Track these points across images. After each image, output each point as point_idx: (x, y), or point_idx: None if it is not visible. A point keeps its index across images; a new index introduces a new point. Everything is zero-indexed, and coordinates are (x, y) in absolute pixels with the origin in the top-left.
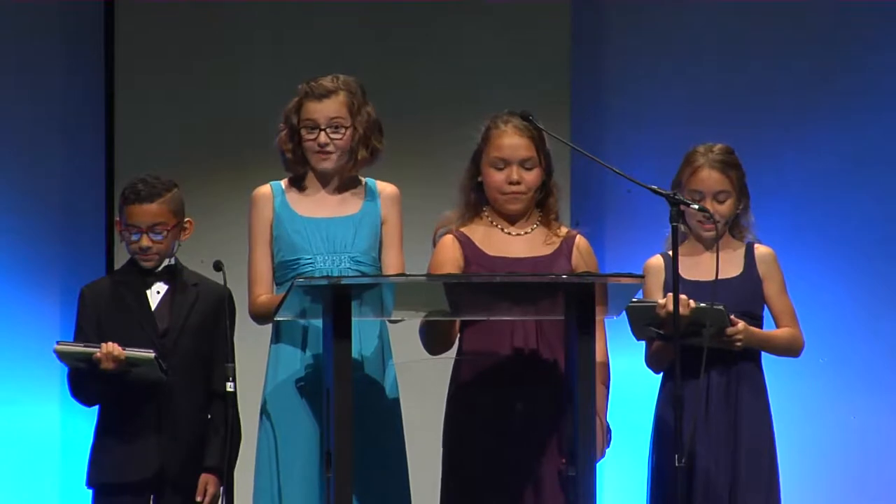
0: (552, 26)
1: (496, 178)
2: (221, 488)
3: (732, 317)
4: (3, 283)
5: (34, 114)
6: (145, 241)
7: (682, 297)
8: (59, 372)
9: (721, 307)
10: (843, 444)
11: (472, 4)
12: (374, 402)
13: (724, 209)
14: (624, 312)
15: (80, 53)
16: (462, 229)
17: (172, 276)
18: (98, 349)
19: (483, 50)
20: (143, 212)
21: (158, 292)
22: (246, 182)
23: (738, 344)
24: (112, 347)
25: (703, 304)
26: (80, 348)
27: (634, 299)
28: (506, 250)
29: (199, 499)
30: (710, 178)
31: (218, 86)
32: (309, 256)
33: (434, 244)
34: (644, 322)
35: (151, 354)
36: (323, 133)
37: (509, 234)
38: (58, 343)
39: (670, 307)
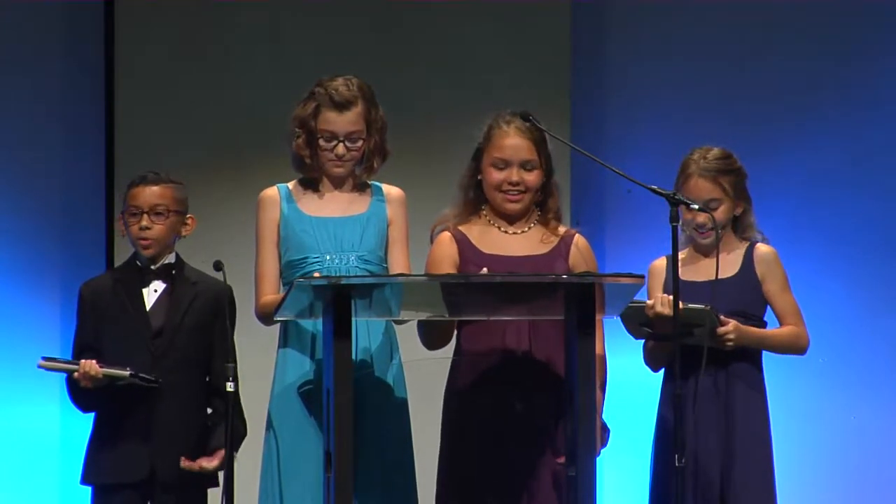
0: (552, 26)
1: (496, 177)
2: (220, 486)
3: (722, 317)
4: (3, 284)
5: (34, 113)
6: (145, 220)
7: (668, 297)
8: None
9: (707, 307)
10: (843, 444)
11: (472, 4)
12: (381, 400)
13: (717, 216)
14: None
15: (80, 53)
16: (459, 227)
17: (171, 274)
18: (77, 367)
19: (483, 50)
20: (146, 192)
21: (156, 290)
22: (246, 182)
23: (730, 343)
24: (89, 367)
25: (690, 305)
26: (61, 365)
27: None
28: (502, 248)
29: (205, 463)
30: (698, 186)
31: (218, 86)
32: (317, 255)
33: (431, 241)
34: (638, 322)
35: (127, 373)
36: (342, 145)
37: (506, 232)
38: (42, 359)
39: (658, 308)
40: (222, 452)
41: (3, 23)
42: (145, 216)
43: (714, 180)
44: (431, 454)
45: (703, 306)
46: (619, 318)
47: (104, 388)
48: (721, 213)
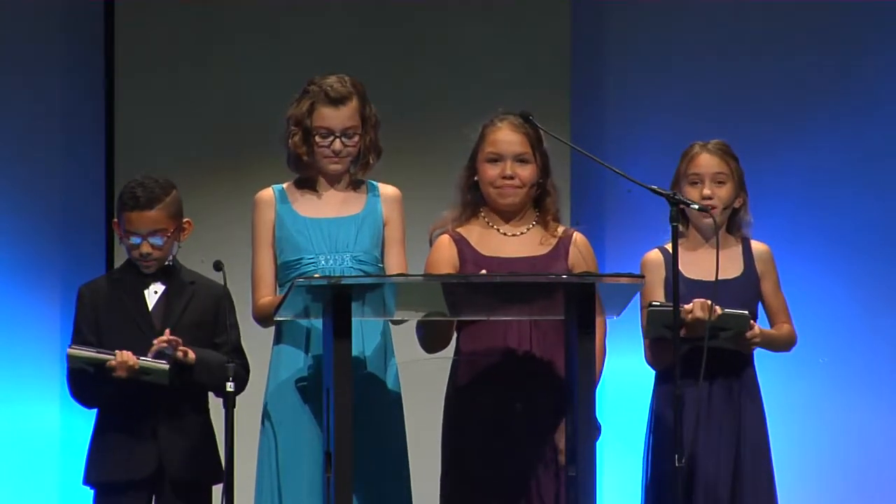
0: (552, 26)
1: (490, 173)
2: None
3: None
4: (3, 283)
5: (34, 114)
6: (146, 248)
7: (708, 302)
8: (59, 372)
9: (745, 313)
10: (843, 444)
11: (472, 4)
12: (376, 401)
13: (723, 192)
14: (624, 312)
15: (80, 53)
16: (458, 229)
17: (170, 275)
18: (112, 357)
19: (483, 50)
20: (143, 219)
21: (156, 292)
22: (246, 182)
23: (754, 347)
24: (127, 357)
25: (728, 311)
26: (93, 354)
27: (657, 302)
28: (501, 250)
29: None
30: (707, 161)
31: (218, 86)
32: (311, 256)
33: (430, 244)
34: (662, 324)
35: (166, 366)
36: (338, 140)
37: (505, 234)
38: (71, 346)
39: (696, 313)
40: (192, 355)
41: (3, 23)
42: (145, 243)
43: (721, 157)
44: (427, 455)
45: (745, 312)
46: (618, 318)
47: (112, 385)
48: (727, 190)
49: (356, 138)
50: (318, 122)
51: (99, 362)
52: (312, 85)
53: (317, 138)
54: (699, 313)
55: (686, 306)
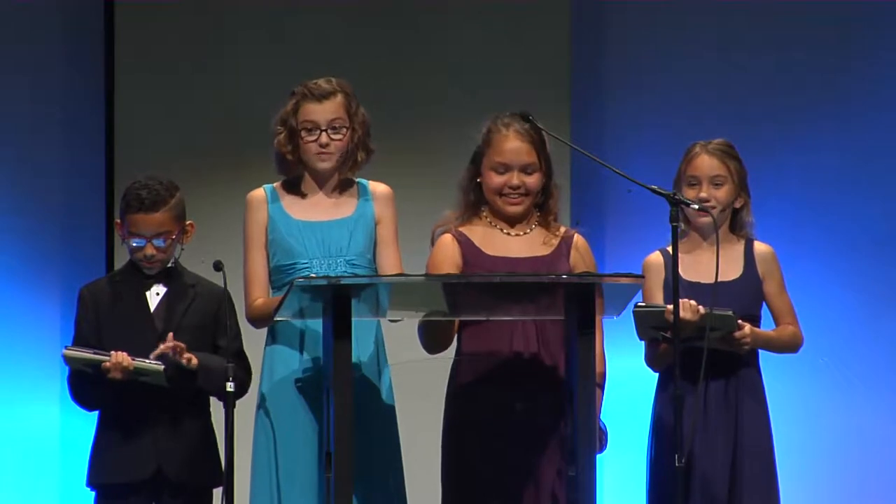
0: (552, 26)
1: (497, 181)
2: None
3: (739, 320)
4: (3, 283)
5: (34, 114)
6: (149, 250)
7: (692, 303)
8: (59, 372)
9: (730, 313)
10: (843, 444)
11: (472, 4)
12: (370, 407)
13: (720, 194)
14: (623, 312)
15: (80, 53)
16: (461, 228)
17: (171, 277)
18: (107, 358)
19: (483, 50)
20: (148, 221)
21: (158, 294)
22: (245, 182)
23: (746, 347)
24: (121, 358)
25: (716, 311)
26: (88, 355)
27: (642, 303)
28: (504, 250)
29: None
30: (705, 162)
31: (217, 86)
32: (305, 260)
33: (432, 243)
34: (650, 325)
35: (160, 367)
36: (324, 134)
37: (508, 234)
38: (66, 348)
39: (681, 313)
40: (195, 361)
41: (3, 23)
42: (149, 245)
43: (720, 159)
44: (424, 457)
45: (728, 312)
46: (618, 318)
47: (112, 388)
48: (725, 192)
49: (343, 132)
50: (303, 117)
51: (94, 363)
52: (298, 87)
53: (303, 134)
54: (683, 314)
55: (668, 306)
